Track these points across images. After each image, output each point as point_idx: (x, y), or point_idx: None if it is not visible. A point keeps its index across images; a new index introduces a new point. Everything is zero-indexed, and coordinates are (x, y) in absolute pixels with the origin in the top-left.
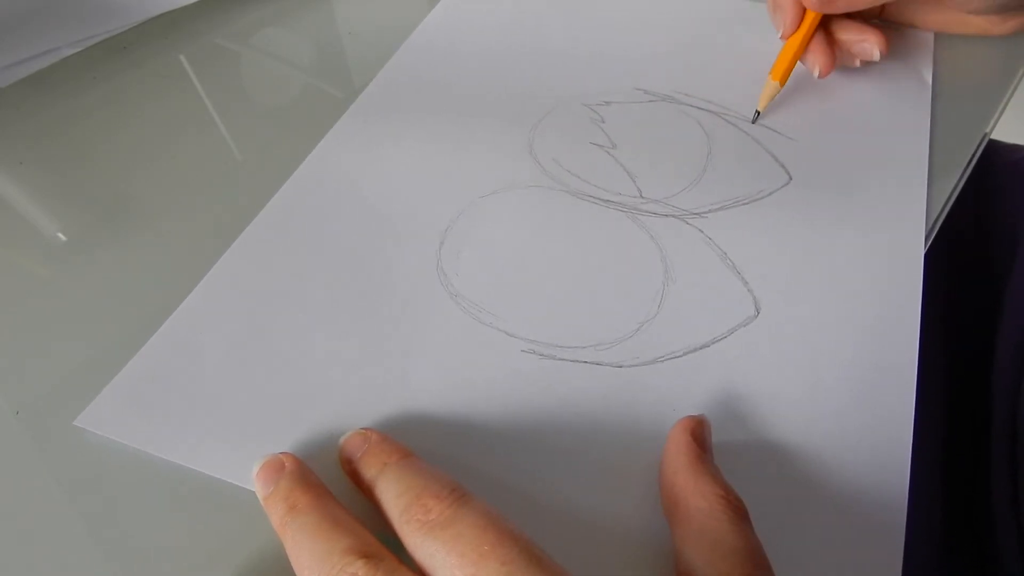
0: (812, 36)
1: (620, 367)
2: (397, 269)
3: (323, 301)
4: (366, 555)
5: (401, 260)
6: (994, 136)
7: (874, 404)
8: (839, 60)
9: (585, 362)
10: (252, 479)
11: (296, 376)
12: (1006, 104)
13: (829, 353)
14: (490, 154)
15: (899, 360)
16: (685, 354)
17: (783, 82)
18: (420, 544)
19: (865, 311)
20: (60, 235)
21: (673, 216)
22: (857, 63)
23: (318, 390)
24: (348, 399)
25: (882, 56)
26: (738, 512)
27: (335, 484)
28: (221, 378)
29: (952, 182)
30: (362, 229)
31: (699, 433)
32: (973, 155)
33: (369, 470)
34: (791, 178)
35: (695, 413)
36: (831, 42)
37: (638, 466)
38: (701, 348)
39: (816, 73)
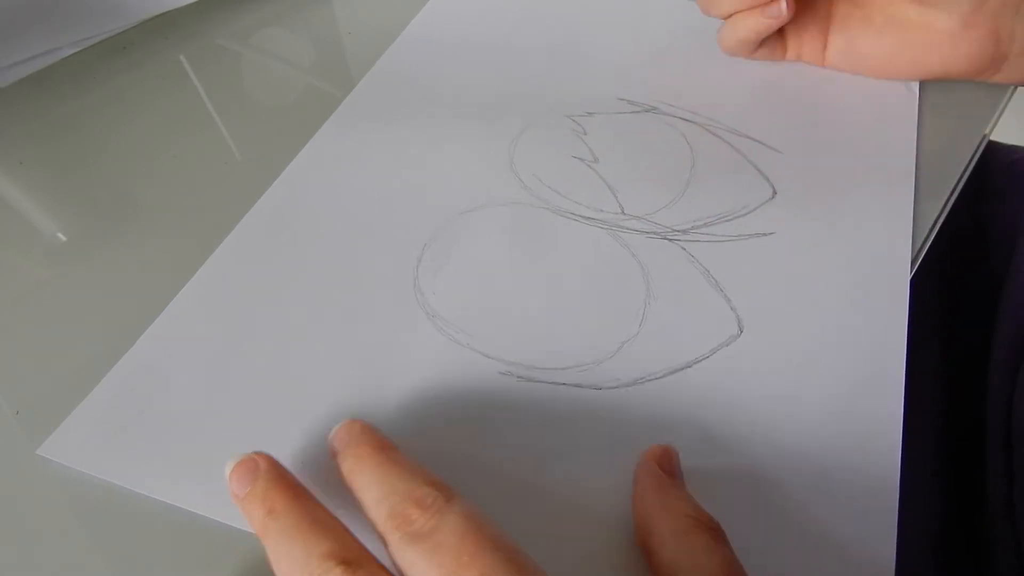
0: None
1: (600, 389)
2: (373, 288)
3: (296, 322)
4: (345, 560)
5: (377, 279)
6: (991, 137)
7: (860, 425)
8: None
9: (564, 384)
10: (232, 512)
11: (268, 401)
12: (1005, 105)
13: (814, 373)
14: (470, 169)
15: (885, 381)
16: (665, 375)
17: None
18: (402, 553)
19: (851, 329)
20: (60, 235)
21: (655, 233)
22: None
23: (290, 415)
24: (321, 424)
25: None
26: (711, 531)
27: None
28: (190, 404)
29: (950, 185)
30: (337, 247)
31: (666, 462)
32: (972, 157)
33: (345, 462)
34: (776, 192)
35: (663, 443)
36: None
37: (616, 490)
38: (683, 368)
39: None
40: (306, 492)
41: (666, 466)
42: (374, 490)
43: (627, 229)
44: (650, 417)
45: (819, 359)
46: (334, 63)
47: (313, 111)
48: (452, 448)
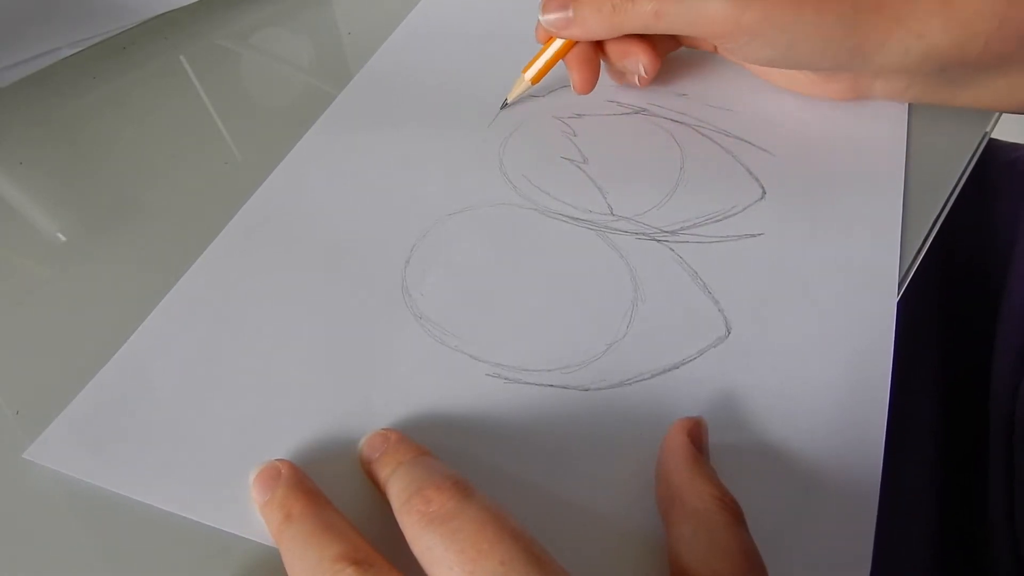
0: (571, 45)
1: (587, 390)
2: (361, 289)
3: (284, 324)
4: (356, 561)
5: (365, 280)
6: (992, 135)
7: (847, 426)
8: (613, 76)
9: (551, 386)
10: (219, 515)
11: (254, 404)
12: None
13: (801, 374)
14: (459, 170)
15: (873, 382)
16: (653, 376)
17: (535, 82)
18: (419, 536)
19: (839, 330)
20: (60, 235)
21: (643, 234)
22: (635, 80)
23: (278, 418)
24: (309, 426)
25: (649, 75)
26: (733, 513)
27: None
28: (176, 407)
29: (950, 184)
30: (325, 248)
31: (696, 434)
32: (972, 155)
33: (384, 469)
34: (765, 192)
35: (695, 416)
36: (595, 57)
37: (603, 490)
38: (670, 370)
39: (574, 89)
40: (324, 498)
41: (695, 437)
42: (399, 483)
43: (616, 230)
44: (637, 418)
45: (807, 360)
46: (334, 63)
47: (313, 111)
48: (439, 450)
